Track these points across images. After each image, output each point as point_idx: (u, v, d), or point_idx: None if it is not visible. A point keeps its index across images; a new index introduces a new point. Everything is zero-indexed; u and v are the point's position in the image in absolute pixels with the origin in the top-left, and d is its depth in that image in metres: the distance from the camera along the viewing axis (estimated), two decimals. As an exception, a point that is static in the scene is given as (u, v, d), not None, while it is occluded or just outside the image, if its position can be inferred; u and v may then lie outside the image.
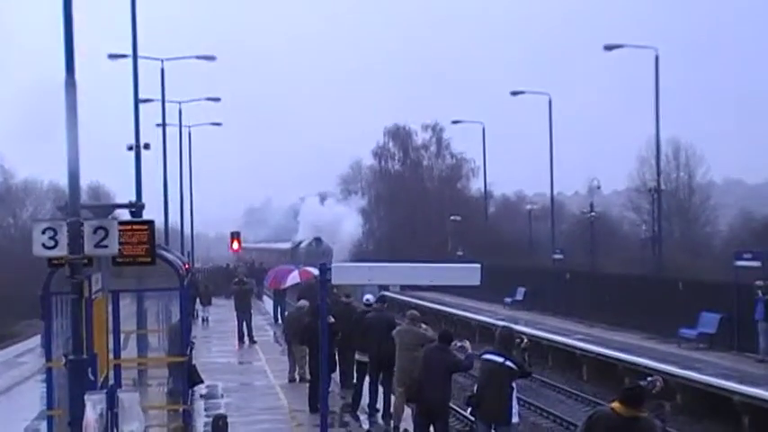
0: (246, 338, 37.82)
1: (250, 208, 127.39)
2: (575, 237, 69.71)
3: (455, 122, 76.96)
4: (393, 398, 20.86)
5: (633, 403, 10.77)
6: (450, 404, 20.43)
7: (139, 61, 36.18)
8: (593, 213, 57.54)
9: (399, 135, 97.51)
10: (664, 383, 11.49)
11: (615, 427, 10.79)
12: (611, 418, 10.87)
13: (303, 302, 27.80)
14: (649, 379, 11.25)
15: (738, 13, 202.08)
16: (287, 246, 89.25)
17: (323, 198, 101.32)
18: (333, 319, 22.71)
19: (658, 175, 51.80)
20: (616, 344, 36.25)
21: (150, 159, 44.47)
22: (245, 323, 38.24)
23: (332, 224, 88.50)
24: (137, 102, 35.27)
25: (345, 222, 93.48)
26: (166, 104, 50.59)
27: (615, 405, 10.88)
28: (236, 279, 41.74)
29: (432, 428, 17.26)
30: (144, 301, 24.66)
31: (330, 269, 11.30)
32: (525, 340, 16.49)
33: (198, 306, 47.77)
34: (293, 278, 40.08)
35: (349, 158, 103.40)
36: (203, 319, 46.91)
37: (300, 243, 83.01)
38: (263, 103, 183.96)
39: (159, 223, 53.51)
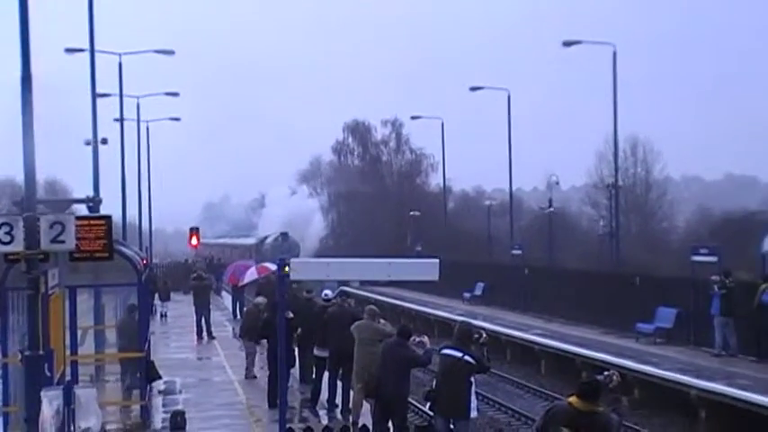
0: (205, 334, 37.73)
1: (209, 203, 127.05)
2: (533, 232, 69.97)
3: (414, 118, 77.02)
4: (352, 393, 20.88)
5: (590, 397, 10.83)
6: (409, 399, 20.48)
7: (97, 56, 35.96)
8: (551, 209, 57.81)
9: (359, 130, 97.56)
10: (621, 378, 11.53)
11: (572, 421, 10.84)
12: (569, 412, 10.92)
13: (260, 299, 27.77)
14: (606, 373, 11.28)
15: (697, 10, 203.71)
16: (251, 241, 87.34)
17: (293, 191, 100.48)
18: (291, 315, 22.72)
19: (616, 171, 52.13)
20: (574, 338, 36.42)
21: (108, 154, 44.30)
22: (203, 319, 38.16)
23: (302, 218, 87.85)
24: (94, 96, 35.03)
25: (316, 217, 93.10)
26: (124, 99, 50.38)
27: (572, 399, 10.94)
28: (195, 274, 41.61)
29: (390, 423, 17.28)
30: (101, 297, 24.55)
31: (288, 265, 11.26)
32: (484, 335, 16.51)
33: (156, 301, 47.55)
34: (251, 274, 39.98)
35: (308, 154, 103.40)
36: (162, 315, 46.72)
37: (266, 238, 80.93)
38: (222, 98, 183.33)
39: (117, 218, 53.25)
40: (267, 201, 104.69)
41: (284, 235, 77.13)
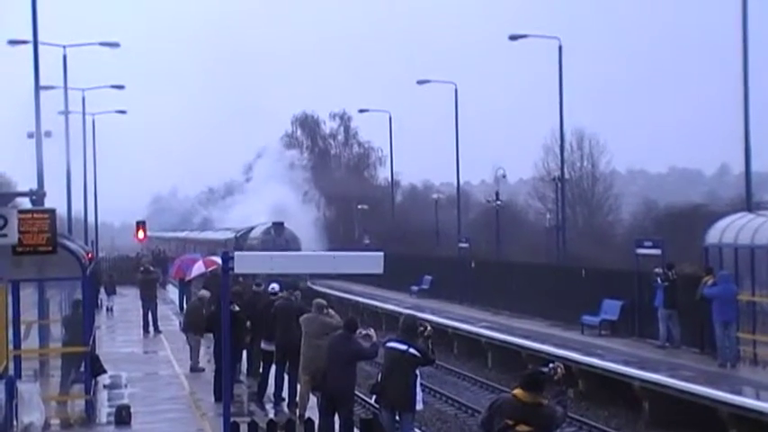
0: (151, 328, 37.58)
1: (157, 196, 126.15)
2: (481, 225, 70.21)
3: (362, 111, 77.09)
4: (299, 386, 20.88)
5: (533, 388, 10.91)
6: (355, 392, 20.51)
7: (41, 48, 35.66)
8: (498, 202, 58.01)
9: (307, 123, 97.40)
10: (565, 370, 11.62)
11: (517, 413, 10.91)
12: (513, 404, 10.98)
13: (203, 292, 27.70)
14: (550, 366, 11.36)
15: (642, 4, 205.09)
16: (224, 236, 67.80)
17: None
18: (237, 308, 22.68)
19: (562, 164, 52.43)
20: (520, 331, 36.62)
21: (53, 147, 43.90)
22: (150, 313, 38.00)
23: (293, 206, 73.00)
24: (37, 89, 34.77)
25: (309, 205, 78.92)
26: (69, 92, 49.95)
27: (517, 392, 11.01)
28: (142, 268, 41.43)
29: (336, 417, 17.29)
30: (46, 291, 24.34)
31: (233, 258, 11.24)
32: (428, 328, 16.57)
33: (102, 295, 47.27)
34: (198, 268, 39.75)
35: (256, 147, 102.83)
36: (108, 309, 46.46)
37: (251, 230, 62.94)
38: (167, 90, 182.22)
39: (62, 212, 52.86)
40: (250, 184, 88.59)
41: (278, 226, 59.49)
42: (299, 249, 54.16)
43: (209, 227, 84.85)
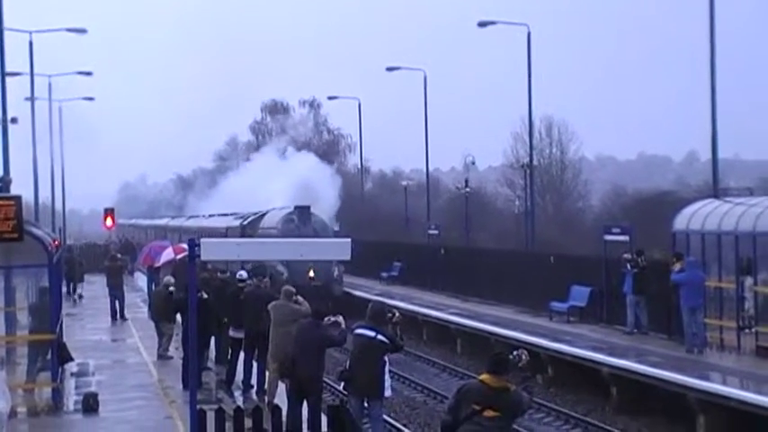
0: (118, 315, 37.47)
1: (125, 184, 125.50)
2: (450, 212, 70.30)
3: (331, 98, 76.90)
4: (267, 374, 20.86)
5: (499, 370, 10.95)
6: (324, 379, 20.51)
7: (6, 33, 35.39)
8: (467, 189, 58.08)
9: (277, 110, 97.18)
10: (530, 356, 11.67)
11: (484, 398, 10.95)
12: (480, 390, 11.03)
13: (168, 279, 27.62)
14: (515, 352, 11.41)
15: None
16: (223, 223, 55.83)
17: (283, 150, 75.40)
18: (206, 295, 22.62)
19: (531, 151, 52.51)
20: (489, 318, 36.71)
21: (20, 134, 43.61)
22: (116, 300, 37.88)
23: (317, 185, 55.50)
24: (3, 75, 34.51)
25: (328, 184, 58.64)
26: (35, 78, 49.65)
27: (484, 377, 11.06)
28: (109, 255, 41.29)
29: (305, 404, 17.27)
30: (12, 279, 24.16)
31: (199, 245, 11.18)
32: (397, 315, 16.60)
33: (71, 282, 47.07)
34: (167, 255, 39.62)
35: (225, 134, 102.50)
36: (77, 296, 46.27)
37: (262, 216, 50.78)
38: (136, 77, 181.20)
39: (28, 199, 52.55)
40: (250, 164, 76.38)
41: (303, 211, 47.40)
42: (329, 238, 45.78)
43: (194, 213, 73.57)
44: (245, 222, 50.87)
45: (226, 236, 47.95)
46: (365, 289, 48.80)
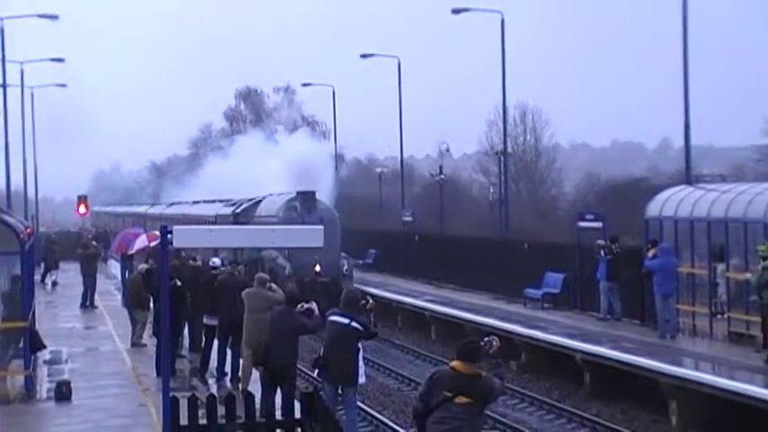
0: (88, 303, 37.39)
1: (99, 172, 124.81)
2: (425, 199, 70.32)
3: (305, 85, 76.65)
4: (242, 361, 20.85)
5: (470, 358, 10.99)
6: (299, 366, 20.51)
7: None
8: (441, 176, 58.13)
9: (251, 97, 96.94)
10: (503, 342, 11.71)
11: (455, 385, 10.98)
12: (452, 376, 11.06)
13: (143, 266, 27.56)
14: (486, 339, 11.45)
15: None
16: (211, 210, 51.35)
17: (292, 129, 70.93)
18: (179, 283, 22.56)
19: (504, 138, 52.58)
20: (464, 304, 36.77)
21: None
22: (87, 288, 37.81)
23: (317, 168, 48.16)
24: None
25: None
26: (7, 65, 49.35)
27: (455, 364, 11.09)
28: (82, 243, 41.16)
29: (279, 391, 17.27)
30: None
31: (171, 232, 11.15)
32: (371, 301, 16.62)
33: (44, 270, 46.88)
34: (141, 242, 39.49)
35: (198, 121, 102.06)
36: (51, 284, 46.11)
37: (258, 203, 46.45)
38: (108, 65, 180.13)
39: (0, 187, 52.28)
40: (234, 146, 71.49)
41: (307, 197, 42.10)
42: (336, 228, 41.17)
43: (174, 199, 68.90)
44: (238, 210, 46.92)
45: (215, 224, 43.76)
46: (375, 284, 47.05)
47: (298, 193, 42.20)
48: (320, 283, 38.50)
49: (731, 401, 21.14)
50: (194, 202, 58.50)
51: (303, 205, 41.50)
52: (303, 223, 37.69)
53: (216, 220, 47.51)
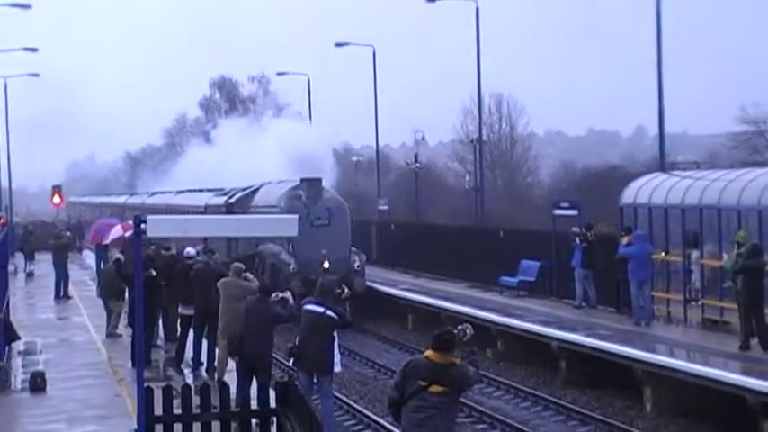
0: (62, 294, 37.27)
1: (73, 162, 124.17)
2: (401, 188, 70.35)
3: (280, 74, 76.46)
4: (218, 351, 20.83)
5: (444, 348, 11.01)
6: (274, 355, 20.51)
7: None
8: (417, 165, 58.14)
9: (225, 87, 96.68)
10: (479, 331, 11.73)
11: (429, 374, 11.00)
12: (426, 365, 11.08)
13: (118, 255, 27.49)
14: (459, 327, 11.46)
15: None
16: (200, 200, 47.33)
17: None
18: (154, 273, 22.52)
19: (480, 126, 52.67)
20: (440, 293, 36.80)
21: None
22: (61, 279, 37.69)
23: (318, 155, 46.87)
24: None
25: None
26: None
27: (429, 353, 11.11)
28: (54, 233, 41.05)
29: (254, 380, 17.26)
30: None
31: (144, 221, 11.09)
32: (346, 290, 16.63)
33: (21, 261, 46.76)
34: (116, 232, 39.31)
35: (173, 111, 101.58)
36: (28, 274, 45.98)
37: (255, 192, 42.35)
38: (83, 54, 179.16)
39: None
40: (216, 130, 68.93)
41: (313, 185, 38.54)
42: (346, 220, 38.49)
43: (154, 189, 65.49)
44: (231, 200, 42.84)
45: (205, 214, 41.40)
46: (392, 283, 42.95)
47: (302, 180, 38.67)
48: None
49: (705, 387, 21.24)
50: (179, 192, 55.11)
51: (308, 194, 37.95)
52: (309, 214, 36.29)
53: (206, 210, 44.02)
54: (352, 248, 37.81)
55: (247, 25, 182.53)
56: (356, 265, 37.21)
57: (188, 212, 40.66)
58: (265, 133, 55.63)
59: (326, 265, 35.47)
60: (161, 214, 30.91)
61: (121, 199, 71.90)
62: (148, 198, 61.73)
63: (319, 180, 38.99)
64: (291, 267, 35.83)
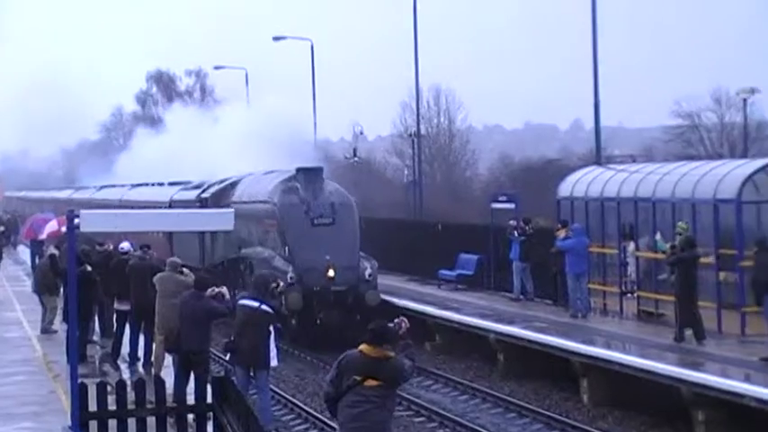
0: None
1: (5, 156, 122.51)
2: (340, 182, 70.11)
3: (218, 68, 75.95)
4: (154, 346, 20.69)
5: (378, 342, 11.00)
6: (212, 351, 20.40)
7: None
8: (356, 159, 58.12)
9: (162, 80, 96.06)
10: (418, 324, 11.75)
11: (364, 368, 10.99)
12: (360, 360, 11.07)
13: (52, 250, 27.22)
14: (395, 320, 11.47)
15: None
16: (164, 196, 41.92)
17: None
18: (90, 268, 22.32)
19: (417, 120, 52.80)
20: (379, 286, 36.69)
21: None
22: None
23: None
24: None
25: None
26: None
27: (363, 347, 11.10)
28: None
29: (192, 376, 17.17)
30: None
31: (78, 216, 10.99)
32: (281, 285, 16.60)
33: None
34: (51, 227, 38.96)
35: (109, 105, 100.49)
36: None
37: (235, 185, 37.02)
38: (17, 45, 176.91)
39: None
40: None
41: (311, 176, 32.92)
42: (353, 218, 32.72)
43: (98, 184, 61.14)
44: (206, 194, 37.38)
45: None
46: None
47: (298, 170, 32.96)
48: (334, 292, 30.17)
49: (640, 378, 21.44)
50: (134, 186, 50.19)
51: (306, 187, 32.13)
52: (309, 210, 31.35)
53: (171, 206, 37.86)
54: (361, 254, 31.70)
55: (184, 19, 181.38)
56: (367, 273, 30.99)
57: (150, 209, 33.20)
58: (220, 122, 52.06)
59: (331, 273, 30.30)
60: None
61: (65, 194, 68.00)
62: (97, 192, 57.52)
63: (320, 170, 33.69)
64: (289, 276, 29.63)
